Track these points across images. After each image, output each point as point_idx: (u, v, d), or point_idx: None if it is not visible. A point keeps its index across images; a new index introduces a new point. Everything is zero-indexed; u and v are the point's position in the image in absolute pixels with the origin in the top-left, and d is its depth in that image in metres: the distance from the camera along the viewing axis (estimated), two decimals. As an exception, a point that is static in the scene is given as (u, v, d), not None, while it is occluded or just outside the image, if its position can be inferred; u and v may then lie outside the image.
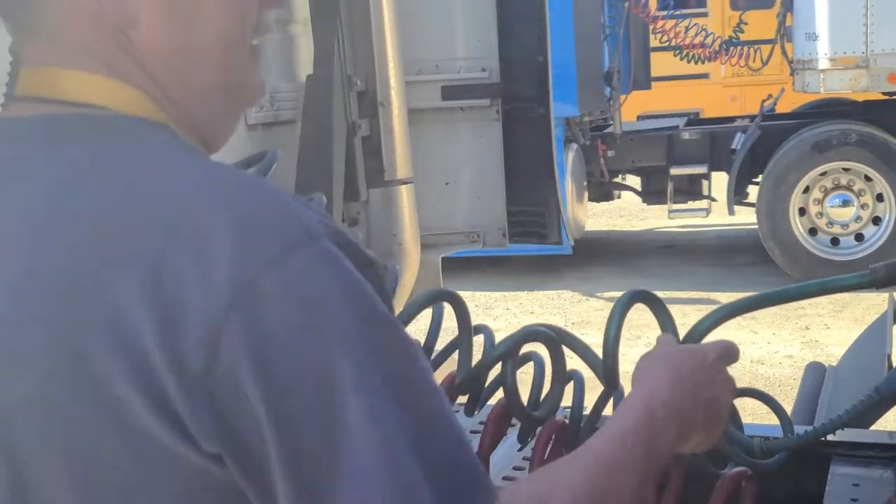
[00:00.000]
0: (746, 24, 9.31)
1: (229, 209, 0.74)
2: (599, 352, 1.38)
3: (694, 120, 10.47)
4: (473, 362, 1.48)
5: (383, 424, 0.71)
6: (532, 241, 3.45)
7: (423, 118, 3.35)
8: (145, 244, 0.73)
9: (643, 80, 10.37)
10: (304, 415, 0.70)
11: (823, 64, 8.12)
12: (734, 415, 1.44)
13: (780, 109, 9.61)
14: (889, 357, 2.51)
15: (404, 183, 3.11)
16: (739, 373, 3.71)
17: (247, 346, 0.70)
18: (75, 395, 0.74)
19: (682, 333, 1.33)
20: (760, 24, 9.56)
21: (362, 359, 0.72)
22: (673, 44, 9.37)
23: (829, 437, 1.48)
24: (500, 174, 3.35)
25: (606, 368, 1.36)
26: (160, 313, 0.71)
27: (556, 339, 1.44)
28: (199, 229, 0.73)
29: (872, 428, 1.97)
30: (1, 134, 0.86)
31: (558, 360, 1.47)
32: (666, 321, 1.32)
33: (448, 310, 1.50)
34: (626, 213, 11.92)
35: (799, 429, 1.48)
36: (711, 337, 1.31)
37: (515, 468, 1.81)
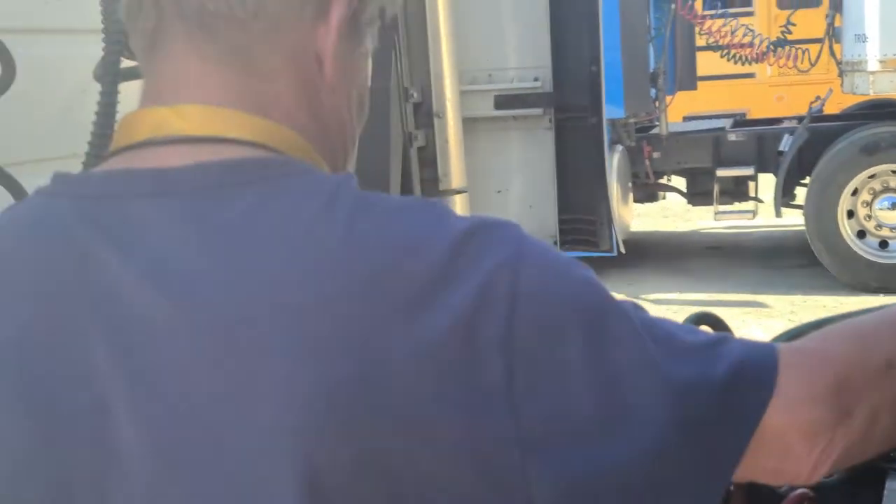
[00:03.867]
0: (794, 24, 9.22)
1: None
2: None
3: (740, 121, 10.38)
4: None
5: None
6: (583, 248, 3.49)
7: (475, 127, 3.39)
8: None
9: (689, 81, 10.32)
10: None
11: (873, 66, 8.04)
12: None
13: (827, 110, 9.51)
14: None
15: (459, 192, 3.16)
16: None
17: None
18: None
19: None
20: (808, 23, 9.46)
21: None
22: (720, 44, 9.31)
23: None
24: (551, 183, 3.39)
25: None
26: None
27: None
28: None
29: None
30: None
31: None
32: None
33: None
34: (671, 213, 11.86)
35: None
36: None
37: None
